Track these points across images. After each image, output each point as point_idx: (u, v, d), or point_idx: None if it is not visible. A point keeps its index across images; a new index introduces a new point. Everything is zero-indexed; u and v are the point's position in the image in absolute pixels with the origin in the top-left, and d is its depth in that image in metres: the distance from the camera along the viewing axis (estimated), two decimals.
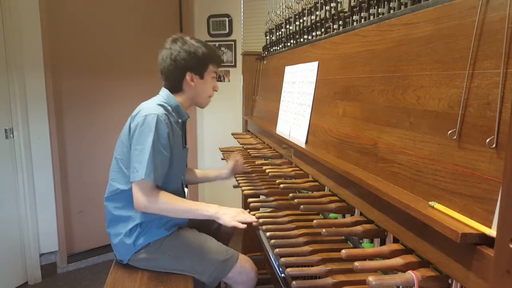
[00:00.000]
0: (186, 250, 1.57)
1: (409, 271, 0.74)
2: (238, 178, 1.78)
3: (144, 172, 1.41)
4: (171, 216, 1.56)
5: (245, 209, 1.51)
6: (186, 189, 2.61)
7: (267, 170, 1.52)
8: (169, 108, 1.57)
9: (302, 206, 1.11)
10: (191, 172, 1.97)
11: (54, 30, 2.72)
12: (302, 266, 0.97)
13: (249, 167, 1.81)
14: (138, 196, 1.43)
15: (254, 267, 1.62)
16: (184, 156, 1.73)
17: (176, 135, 1.57)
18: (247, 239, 2.57)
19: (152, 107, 1.50)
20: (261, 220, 1.27)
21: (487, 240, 0.62)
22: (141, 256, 1.55)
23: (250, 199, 1.43)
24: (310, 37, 1.70)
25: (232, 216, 1.44)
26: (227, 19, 3.27)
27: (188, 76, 1.58)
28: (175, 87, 1.62)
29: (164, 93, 1.62)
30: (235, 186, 1.90)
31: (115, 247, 1.61)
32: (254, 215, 1.39)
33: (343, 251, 0.83)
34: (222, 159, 2.12)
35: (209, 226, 1.86)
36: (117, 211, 1.58)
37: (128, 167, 1.50)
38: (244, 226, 1.41)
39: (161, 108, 1.52)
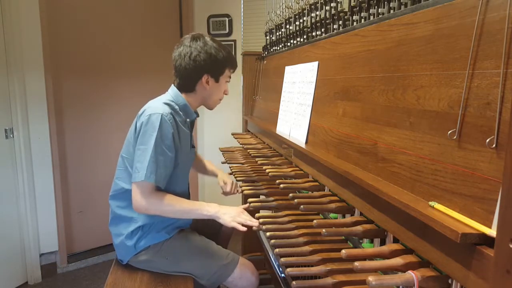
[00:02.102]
0: (186, 254, 1.56)
1: (409, 271, 0.74)
2: (234, 172, 1.78)
3: (144, 173, 1.39)
4: (172, 217, 1.55)
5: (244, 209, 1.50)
6: None
7: (267, 170, 1.52)
8: (176, 107, 1.53)
9: (302, 206, 1.11)
10: (200, 161, 2.02)
11: (54, 30, 2.72)
12: (302, 266, 0.97)
13: (249, 166, 1.80)
14: (138, 198, 1.42)
15: (254, 272, 1.60)
16: (191, 157, 1.71)
17: (183, 135, 1.54)
18: (247, 239, 2.56)
19: (158, 106, 1.48)
20: (261, 220, 1.27)
21: (487, 240, 0.62)
22: (141, 257, 1.55)
23: (250, 199, 1.43)
24: (310, 37, 1.70)
25: (232, 216, 1.43)
26: (227, 19, 3.27)
27: (204, 78, 1.55)
28: (187, 87, 1.58)
29: (172, 91, 1.59)
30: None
31: (116, 247, 1.61)
32: (255, 216, 1.39)
33: (343, 251, 0.82)
34: (223, 163, 2.11)
35: (211, 228, 1.85)
36: (120, 210, 1.57)
37: (132, 166, 1.48)
38: (245, 229, 1.40)
39: (167, 107, 1.49)
